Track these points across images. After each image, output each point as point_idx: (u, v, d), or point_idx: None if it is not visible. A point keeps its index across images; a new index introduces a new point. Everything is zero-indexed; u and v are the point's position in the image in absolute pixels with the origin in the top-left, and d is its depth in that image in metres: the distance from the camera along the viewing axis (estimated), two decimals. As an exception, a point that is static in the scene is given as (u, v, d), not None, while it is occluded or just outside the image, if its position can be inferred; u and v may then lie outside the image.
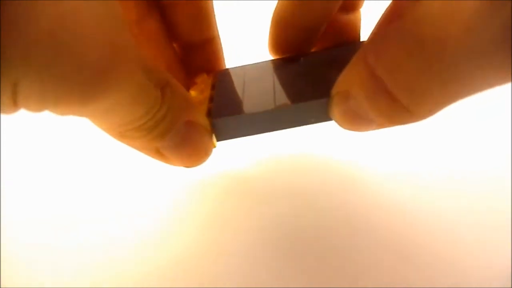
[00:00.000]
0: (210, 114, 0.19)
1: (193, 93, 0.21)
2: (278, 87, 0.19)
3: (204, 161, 0.19)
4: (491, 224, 0.23)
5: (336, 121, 0.18)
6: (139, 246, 0.22)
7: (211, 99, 0.20)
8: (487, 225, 0.23)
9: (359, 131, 0.18)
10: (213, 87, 0.20)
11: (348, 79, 0.16)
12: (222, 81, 0.21)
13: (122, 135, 0.16)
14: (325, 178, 0.26)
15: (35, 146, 0.30)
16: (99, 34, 0.12)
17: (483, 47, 0.11)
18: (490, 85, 0.12)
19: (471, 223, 0.23)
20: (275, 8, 0.21)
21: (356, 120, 0.17)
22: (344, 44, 0.21)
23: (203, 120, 0.18)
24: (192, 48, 0.22)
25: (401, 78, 0.13)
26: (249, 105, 0.18)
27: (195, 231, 0.23)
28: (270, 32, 0.22)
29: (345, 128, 0.18)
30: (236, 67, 0.22)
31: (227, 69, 0.22)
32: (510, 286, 0.20)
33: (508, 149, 0.28)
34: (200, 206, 0.24)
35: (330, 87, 0.17)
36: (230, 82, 0.21)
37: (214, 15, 0.22)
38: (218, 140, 0.19)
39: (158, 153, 0.17)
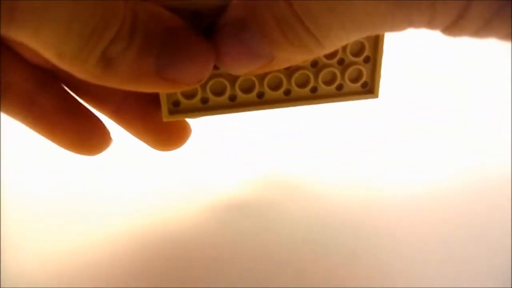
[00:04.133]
0: None
1: None
2: None
3: (208, 68, 0.16)
4: (491, 224, 0.23)
5: (218, 51, 0.16)
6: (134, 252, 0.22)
7: None
8: (487, 225, 0.23)
9: (235, 68, 0.16)
10: None
11: (255, 2, 0.15)
12: None
13: (107, 62, 0.14)
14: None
15: (35, 147, 0.29)
16: None
17: None
18: (380, 23, 0.13)
19: (471, 223, 0.23)
20: None
21: (244, 53, 0.15)
22: None
23: (185, 24, 0.16)
24: None
25: (310, 11, 0.14)
26: None
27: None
28: None
29: (224, 62, 0.16)
30: None
31: None
32: (510, 286, 0.20)
33: (508, 145, 0.29)
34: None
35: None
36: None
37: None
38: None
39: (163, 79, 0.15)
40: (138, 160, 0.28)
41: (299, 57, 0.16)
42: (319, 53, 0.15)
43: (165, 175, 0.27)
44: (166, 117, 0.18)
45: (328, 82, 0.19)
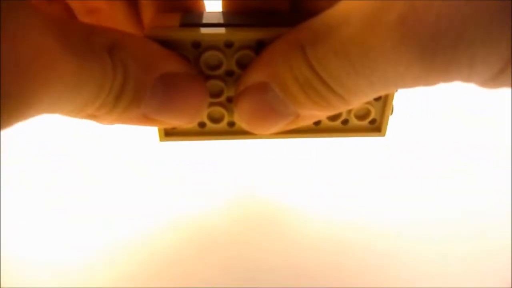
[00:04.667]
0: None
1: None
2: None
3: (200, 109, 0.16)
4: (491, 224, 0.23)
5: (242, 116, 0.16)
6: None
7: None
8: (487, 225, 0.23)
9: (262, 129, 0.16)
10: None
11: (276, 66, 0.14)
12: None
13: (93, 117, 0.14)
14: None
15: (35, 146, 0.30)
16: None
17: (390, 49, 0.12)
18: (412, 82, 0.13)
19: (471, 224, 0.23)
20: None
21: (269, 114, 0.15)
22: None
23: (181, 65, 0.15)
24: None
25: (334, 74, 0.13)
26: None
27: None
28: None
29: (250, 125, 0.16)
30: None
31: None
32: (510, 286, 0.20)
33: (508, 144, 0.28)
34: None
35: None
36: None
37: None
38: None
39: (150, 119, 0.15)
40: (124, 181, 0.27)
41: (325, 114, 0.16)
42: (345, 108, 0.15)
43: (144, 200, 0.26)
44: (162, 138, 0.18)
45: (332, 118, 0.18)
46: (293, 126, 0.16)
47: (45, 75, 0.11)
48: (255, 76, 0.15)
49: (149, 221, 0.24)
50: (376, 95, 0.14)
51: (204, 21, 0.16)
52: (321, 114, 0.16)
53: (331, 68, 0.13)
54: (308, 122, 0.16)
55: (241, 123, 0.16)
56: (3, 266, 0.21)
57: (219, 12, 0.17)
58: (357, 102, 0.14)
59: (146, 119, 0.15)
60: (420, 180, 0.26)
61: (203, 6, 0.18)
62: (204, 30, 0.16)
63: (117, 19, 0.18)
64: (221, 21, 0.16)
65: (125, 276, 0.21)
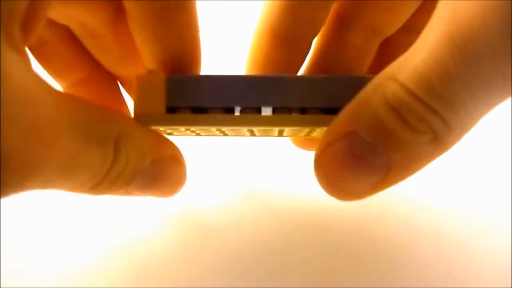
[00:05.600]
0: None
1: None
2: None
3: (180, 189, 0.18)
4: (491, 224, 0.23)
5: (322, 171, 0.14)
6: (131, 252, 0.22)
7: None
8: (487, 225, 0.23)
9: (348, 185, 0.13)
10: None
11: (361, 110, 0.13)
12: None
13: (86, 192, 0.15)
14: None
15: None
16: None
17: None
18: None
19: (471, 224, 0.23)
20: (260, 17, 0.18)
21: (357, 164, 0.13)
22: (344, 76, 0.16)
23: (169, 150, 0.17)
24: None
25: (442, 88, 0.11)
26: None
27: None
28: (252, 44, 0.18)
29: (333, 181, 0.14)
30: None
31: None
32: (510, 286, 0.20)
33: (508, 148, 0.29)
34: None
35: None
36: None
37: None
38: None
39: (128, 193, 0.16)
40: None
41: (421, 154, 0.13)
42: (447, 141, 0.12)
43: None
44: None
45: None
46: (384, 186, 0.13)
47: (37, 163, 0.12)
48: (337, 129, 0.13)
49: (153, 216, 0.24)
50: (476, 114, 0.12)
51: (193, 100, 0.15)
52: (417, 158, 0.13)
53: (431, 82, 0.11)
54: (398, 179, 0.13)
55: (321, 183, 0.14)
56: (3, 266, 0.21)
57: (211, 77, 0.15)
58: (459, 124, 0.12)
59: (126, 194, 0.16)
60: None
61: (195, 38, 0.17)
62: (193, 122, 0.15)
63: (118, 42, 0.19)
64: (215, 101, 0.15)
65: (126, 275, 0.21)
